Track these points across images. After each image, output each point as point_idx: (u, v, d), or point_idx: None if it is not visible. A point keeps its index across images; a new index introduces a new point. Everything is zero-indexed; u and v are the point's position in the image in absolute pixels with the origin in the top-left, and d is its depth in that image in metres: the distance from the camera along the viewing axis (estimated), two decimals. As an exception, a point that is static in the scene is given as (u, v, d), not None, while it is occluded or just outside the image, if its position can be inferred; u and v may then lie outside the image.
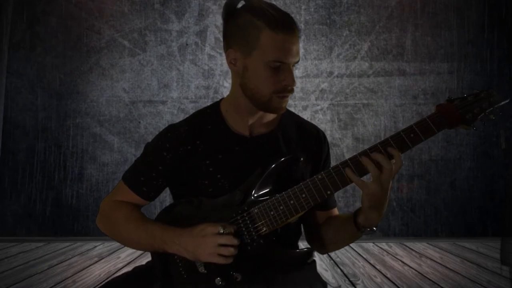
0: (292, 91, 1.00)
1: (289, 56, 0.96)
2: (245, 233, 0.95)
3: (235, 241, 0.91)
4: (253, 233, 0.95)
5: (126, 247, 3.02)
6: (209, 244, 0.91)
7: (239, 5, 1.01)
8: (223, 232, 0.91)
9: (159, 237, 0.97)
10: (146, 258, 1.12)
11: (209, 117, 1.09)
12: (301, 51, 3.49)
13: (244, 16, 0.98)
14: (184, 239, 0.94)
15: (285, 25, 0.95)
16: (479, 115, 0.92)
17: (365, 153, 0.93)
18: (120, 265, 2.49)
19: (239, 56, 0.99)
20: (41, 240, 3.15)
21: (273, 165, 0.98)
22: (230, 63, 1.02)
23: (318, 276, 1.09)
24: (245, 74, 1.00)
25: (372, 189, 0.91)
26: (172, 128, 1.08)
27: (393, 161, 0.91)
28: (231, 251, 0.90)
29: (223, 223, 0.93)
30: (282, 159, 0.99)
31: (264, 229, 0.95)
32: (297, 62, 1.00)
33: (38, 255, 2.73)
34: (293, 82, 0.98)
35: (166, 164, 1.05)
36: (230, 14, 1.01)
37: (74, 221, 3.34)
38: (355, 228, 0.98)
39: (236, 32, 0.99)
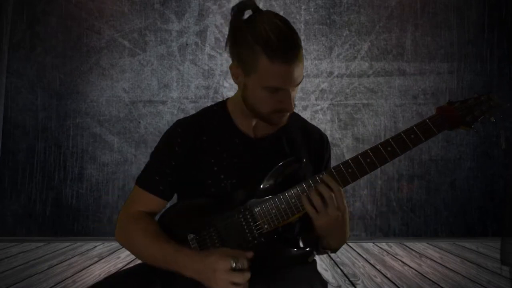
0: (291, 109, 0.99)
1: (287, 82, 0.94)
2: (247, 231, 0.96)
3: (247, 276, 0.88)
4: (255, 231, 0.96)
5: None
6: (221, 281, 0.87)
7: (246, 16, 0.98)
8: (235, 267, 0.88)
9: (173, 260, 0.95)
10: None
11: (215, 114, 1.11)
12: (301, 51, 3.50)
13: (246, 36, 0.94)
14: (197, 267, 0.91)
15: (284, 53, 0.90)
16: (479, 117, 0.94)
17: (316, 180, 0.95)
18: (120, 265, 2.49)
19: (240, 73, 1.00)
20: (41, 240, 3.15)
21: (276, 166, 1.00)
22: (233, 75, 1.03)
23: (318, 275, 1.09)
24: (245, 90, 1.01)
25: (320, 220, 0.93)
26: (181, 123, 1.09)
27: (332, 194, 0.92)
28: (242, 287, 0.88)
29: (235, 256, 0.89)
30: (285, 160, 1.00)
31: (266, 227, 0.96)
32: (299, 83, 0.97)
33: (38, 255, 2.73)
34: (290, 107, 0.97)
35: (178, 159, 1.05)
36: (236, 26, 0.98)
37: (74, 221, 3.34)
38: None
39: (238, 50, 0.98)
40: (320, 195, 0.92)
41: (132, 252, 1.04)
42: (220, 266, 0.88)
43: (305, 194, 0.95)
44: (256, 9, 0.98)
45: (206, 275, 0.89)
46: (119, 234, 1.07)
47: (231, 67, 1.02)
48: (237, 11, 0.97)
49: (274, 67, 0.91)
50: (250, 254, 0.92)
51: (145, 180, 1.07)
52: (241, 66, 0.98)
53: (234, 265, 0.87)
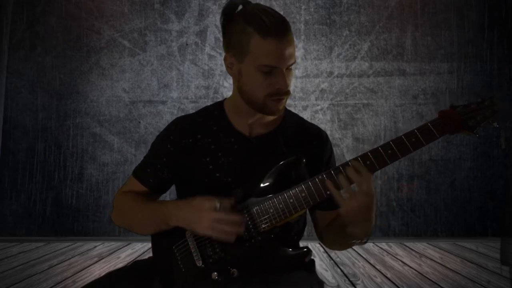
0: (288, 93, 1.01)
1: (280, 60, 0.96)
2: (244, 230, 0.96)
3: (231, 217, 0.92)
4: (252, 230, 0.96)
5: (125, 247, 3.02)
6: (205, 218, 0.92)
7: (238, 9, 1.03)
8: (219, 207, 0.92)
9: (161, 212, 1.00)
10: (146, 257, 1.12)
11: (212, 113, 1.12)
12: (301, 51, 3.50)
13: (238, 22, 0.99)
14: (183, 213, 0.96)
15: (275, 30, 0.95)
16: (482, 122, 0.93)
17: (344, 165, 0.94)
18: (120, 265, 2.49)
19: (234, 61, 1.02)
20: (41, 240, 3.15)
21: (276, 166, 1.00)
22: (227, 67, 1.05)
23: (315, 276, 1.09)
24: (240, 78, 1.02)
25: (349, 206, 0.91)
26: (177, 121, 1.13)
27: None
28: (226, 227, 0.91)
29: (221, 199, 0.94)
30: (285, 160, 1.00)
31: (263, 226, 0.96)
32: (292, 64, 0.99)
33: (38, 255, 2.73)
34: (285, 85, 0.98)
35: (170, 156, 1.08)
36: (227, 19, 1.03)
37: (74, 221, 3.34)
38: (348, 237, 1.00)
39: (231, 38, 1.02)
40: (349, 180, 0.91)
41: (126, 222, 1.10)
42: (205, 205, 0.93)
43: (305, 194, 0.95)
44: (246, 3, 1.03)
45: (190, 216, 0.95)
46: (113, 212, 1.12)
47: (225, 59, 1.04)
48: (228, 7, 1.02)
49: (265, 43, 0.94)
50: (244, 218, 0.94)
51: (139, 170, 1.13)
52: (235, 53, 1.01)
53: (218, 204, 0.92)
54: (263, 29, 0.94)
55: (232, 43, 1.01)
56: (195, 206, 0.95)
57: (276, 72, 0.97)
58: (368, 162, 0.93)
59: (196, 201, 0.95)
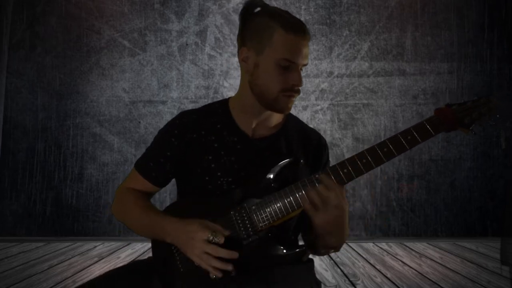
0: (299, 91, 1.03)
1: (299, 56, 1.00)
2: (242, 228, 0.97)
3: (220, 253, 0.92)
4: (250, 228, 0.97)
5: (125, 247, 3.02)
6: (196, 248, 0.93)
7: (256, 10, 1.06)
8: (211, 240, 0.92)
9: (159, 228, 1.00)
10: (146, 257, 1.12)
11: (217, 111, 1.13)
12: (301, 51, 3.50)
13: (261, 17, 1.03)
14: (177, 234, 0.97)
15: (297, 27, 1.00)
16: (477, 119, 0.93)
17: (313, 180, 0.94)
18: (120, 265, 2.49)
19: (251, 54, 1.03)
20: (41, 240, 3.15)
21: (274, 167, 1.00)
22: (242, 61, 1.06)
23: (313, 275, 1.10)
24: (255, 71, 1.03)
25: (320, 219, 0.92)
26: (182, 115, 1.13)
27: (331, 193, 0.91)
28: (213, 263, 0.92)
29: (214, 230, 0.94)
30: (283, 161, 1.01)
31: (260, 224, 0.97)
32: (306, 65, 1.03)
33: (38, 255, 2.73)
34: (300, 82, 1.01)
35: (174, 150, 1.08)
36: (248, 16, 1.06)
37: (74, 221, 3.34)
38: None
39: (251, 31, 1.04)
40: (319, 193, 0.92)
41: (125, 222, 1.11)
42: (198, 235, 0.93)
43: (302, 193, 0.95)
44: (264, 5, 1.07)
45: (184, 241, 0.95)
46: (114, 206, 1.13)
47: (241, 53, 1.06)
48: (248, 6, 1.06)
49: (288, 37, 0.98)
50: (234, 254, 0.93)
51: (141, 164, 1.13)
52: (254, 46, 1.02)
53: (211, 238, 0.93)
54: (287, 25, 0.99)
55: (253, 36, 1.03)
56: (189, 232, 0.95)
57: (293, 68, 1.00)
58: (364, 161, 0.94)
59: (191, 226, 0.95)
